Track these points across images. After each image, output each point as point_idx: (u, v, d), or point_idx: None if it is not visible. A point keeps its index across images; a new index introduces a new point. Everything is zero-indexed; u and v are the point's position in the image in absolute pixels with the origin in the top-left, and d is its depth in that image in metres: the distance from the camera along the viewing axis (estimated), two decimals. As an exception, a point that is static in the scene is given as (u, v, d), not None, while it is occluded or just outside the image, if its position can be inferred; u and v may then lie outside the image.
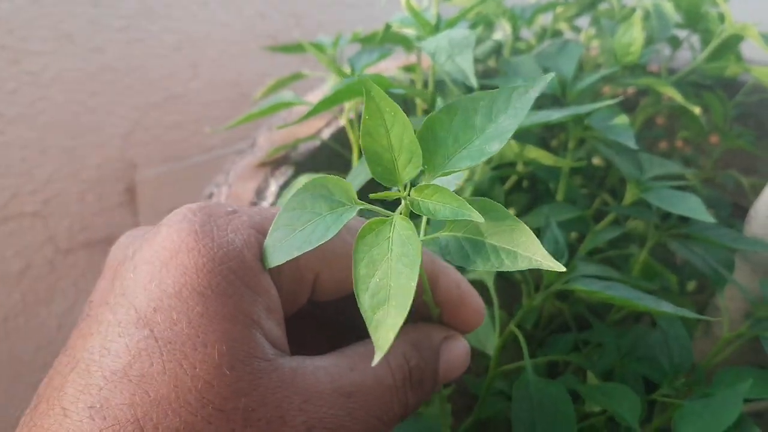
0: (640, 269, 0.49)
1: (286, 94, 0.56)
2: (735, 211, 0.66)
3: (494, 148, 0.25)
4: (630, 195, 0.46)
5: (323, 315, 0.33)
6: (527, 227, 0.25)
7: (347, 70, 0.54)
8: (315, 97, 0.63)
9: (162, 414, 0.21)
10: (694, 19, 0.60)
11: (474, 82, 0.39)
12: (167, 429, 0.21)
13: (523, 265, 0.25)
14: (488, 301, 0.45)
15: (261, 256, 0.25)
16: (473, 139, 0.26)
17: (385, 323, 0.22)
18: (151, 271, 0.24)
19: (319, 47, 0.56)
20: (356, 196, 0.26)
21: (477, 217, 0.23)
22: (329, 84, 0.60)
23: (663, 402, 0.40)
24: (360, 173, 0.43)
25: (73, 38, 0.85)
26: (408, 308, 0.22)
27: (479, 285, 0.53)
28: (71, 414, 0.22)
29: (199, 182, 1.04)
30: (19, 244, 0.89)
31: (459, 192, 0.53)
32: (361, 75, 0.52)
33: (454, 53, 0.40)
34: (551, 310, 0.55)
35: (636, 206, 0.46)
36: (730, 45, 0.59)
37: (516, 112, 0.26)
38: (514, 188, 0.64)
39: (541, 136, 0.66)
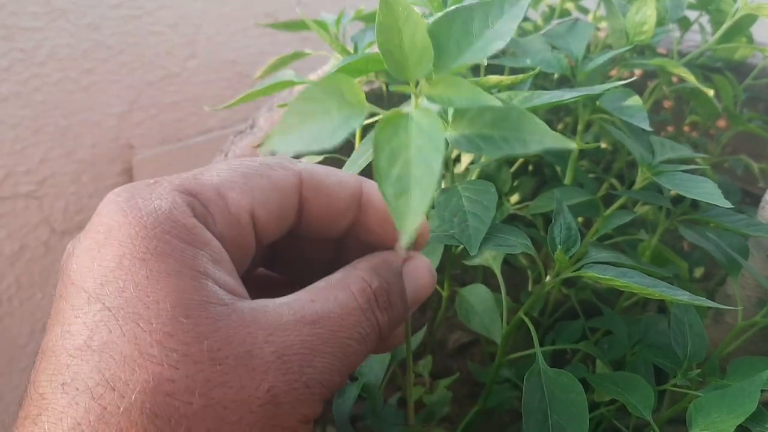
0: (650, 256, 0.48)
1: (286, 73, 0.54)
2: (744, 198, 0.65)
3: (497, 46, 0.26)
4: (641, 179, 0.45)
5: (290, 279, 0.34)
6: (532, 114, 0.25)
7: (350, 48, 0.52)
8: (317, 77, 0.61)
9: (129, 371, 0.22)
10: (707, -1, 0.59)
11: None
12: (137, 383, 0.22)
13: (533, 148, 0.25)
14: (495, 288, 0.44)
15: (192, 213, 0.26)
16: (474, 41, 0.27)
17: (409, 209, 0.23)
18: (91, 256, 0.25)
19: (321, 25, 0.54)
20: (365, 101, 0.26)
21: (494, 101, 0.24)
22: (332, 63, 0.58)
23: (673, 392, 0.39)
24: (362, 155, 0.41)
25: (67, 14, 0.83)
26: (431, 194, 0.23)
27: (485, 271, 0.52)
28: (47, 395, 0.23)
29: (197, 163, 1.02)
30: (12, 226, 0.87)
31: (465, 175, 0.52)
32: (364, 53, 0.50)
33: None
34: (558, 297, 0.54)
35: (647, 191, 0.45)
36: (743, 26, 0.58)
37: (512, 16, 0.27)
38: (520, 172, 0.63)
39: (547, 119, 0.65)
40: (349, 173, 0.31)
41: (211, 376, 0.23)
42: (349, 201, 0.30)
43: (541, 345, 0.48)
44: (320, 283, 0.28)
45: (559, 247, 0.35)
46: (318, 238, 0.32)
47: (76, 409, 0.22)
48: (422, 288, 0.31)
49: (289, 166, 0.30)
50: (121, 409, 0.22)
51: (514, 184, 0.58)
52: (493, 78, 0.41)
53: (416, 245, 0.31)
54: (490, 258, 0.45)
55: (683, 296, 0.32)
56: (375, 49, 0.55)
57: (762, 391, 0.34)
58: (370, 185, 0.31)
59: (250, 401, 0.23)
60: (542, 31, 0.53)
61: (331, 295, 0.27)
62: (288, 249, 0.34)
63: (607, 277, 0.33)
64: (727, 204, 0.38)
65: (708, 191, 0.39)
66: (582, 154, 0.61)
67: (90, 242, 0.25)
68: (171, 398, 0.22)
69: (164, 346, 0.22)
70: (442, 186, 0.52)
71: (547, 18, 0.66)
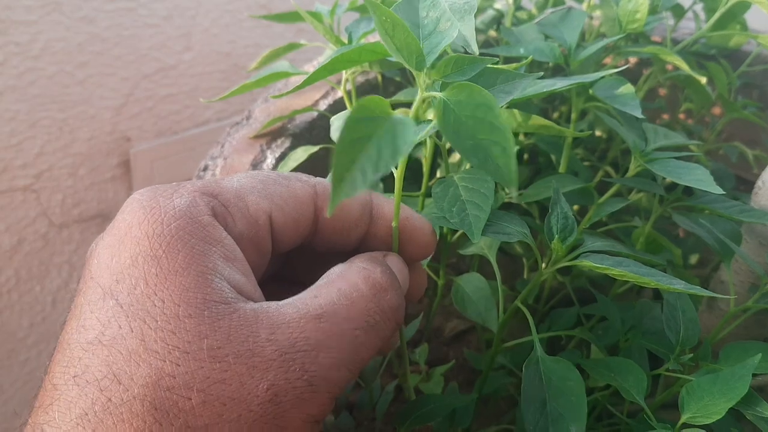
0: (644, 242, 0.48)
1: (281, 64, 0.54)
2: (738, 185, 0.65)
3: None
4: (634, 166, 0.45)
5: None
6: None
7: (345, 39, 0.52)
8: (312, 68, 0.61)
9: (134, 366, 0.23)
10: (701, -14, 0.59)
11: (475, 48, 0.37)
12: (140, 377, 0.23)
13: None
14: (490, 276, 0.44)
15: (210, 212, 0.27)
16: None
17: None
18: (110, 252, 0.26)
19: (315, 15, 0.54)
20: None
21: None
22: (327, 54, 0.58)
23: (667, 377, 0.39)
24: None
25: (61, 7, 0.83)
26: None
27: (480, 259, 0.52)
28: (59, 386, 0.24)
29: (194, 156, 1.03)
30: (10, 219, 0.87)
31: (459, 165, 0.52)
32: (358, 44, 0.50)
33: (455, 19, 0.38)
34: (553, 284, 0.54)
35: (641, 178, 0.45)
36: (736, 13, 0.58)
37: None
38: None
39: (542, 108, 0.65)
40: None
41: (210, 373, 0.23)
42: (361, 211, 0.31)
43: (537, 332, 0.49)
44: (320, 281, 0.28)
45: (556, 236, 0.36)
46: (332, 252, 0.33)
47: (84, 400, 0.23)
48: (405, 279, 0.32)
49: (304, 179, 0.31)
50: (124, 400, 0.23)
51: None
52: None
53: (425, 248, 0.33)
54: (485, 247, 0.45)
55: (678, 285, 0.32)
56: (370, 39, 0.55)
57: (754, 375, 0.34)
58: (377, 197, 0.32)
59: (249, 399, 0.23)
60: (536, 20, 0.53)
61: (333, 288, 0.27)
62: (301, 267, 0.34)
63: (603, 266, 0.33)
64: (719, 190, 0.38)
65: (700, 178, 0.39)
66: (577, 142, 0.62)
67: (111, 239, 0.26)
68: (170, 393, 0.23)
69: (167, 343, 0.23)
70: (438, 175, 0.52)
71: (541, 7, 0.66)
